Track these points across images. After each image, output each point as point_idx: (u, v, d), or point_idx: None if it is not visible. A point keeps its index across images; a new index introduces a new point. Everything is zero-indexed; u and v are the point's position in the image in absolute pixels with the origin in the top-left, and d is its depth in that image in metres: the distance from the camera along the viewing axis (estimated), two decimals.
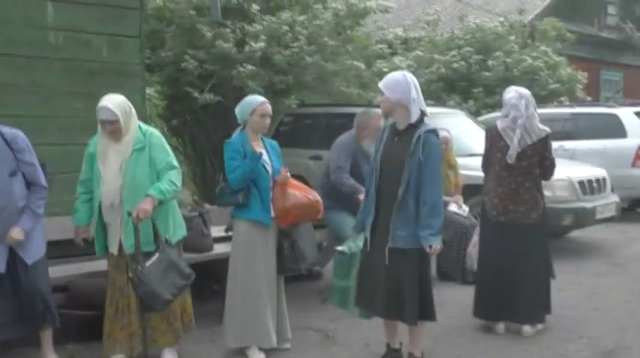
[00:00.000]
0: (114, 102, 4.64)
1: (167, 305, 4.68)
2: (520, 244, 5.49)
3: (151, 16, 9.72)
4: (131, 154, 4.68)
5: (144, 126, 4.82)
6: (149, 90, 8.48)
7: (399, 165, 4.52)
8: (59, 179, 5.53)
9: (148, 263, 4.58)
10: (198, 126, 10.88)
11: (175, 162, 4.81)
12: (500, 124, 5.54)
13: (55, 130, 5.88)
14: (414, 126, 4.55)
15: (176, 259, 4.74)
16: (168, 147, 4.85)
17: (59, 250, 5.05)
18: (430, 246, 4.48)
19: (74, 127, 5.88)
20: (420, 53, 15.99)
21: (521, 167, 5.44)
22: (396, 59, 12.87)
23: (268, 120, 5.17)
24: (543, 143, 5.48)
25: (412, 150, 4.48)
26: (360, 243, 4.80)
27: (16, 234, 4.39)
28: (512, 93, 5.57)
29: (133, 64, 6.27)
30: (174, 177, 4.73)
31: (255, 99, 5.17)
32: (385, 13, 12.15)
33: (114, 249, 4.77)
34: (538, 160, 5.49)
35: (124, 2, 6.17)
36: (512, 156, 5.41)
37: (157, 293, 4.56)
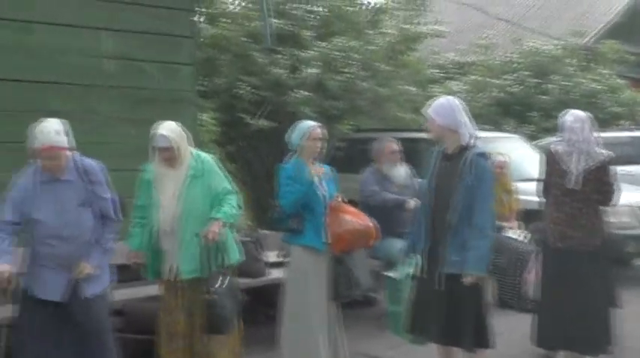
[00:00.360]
0: (168, 129, 4.69)
1: (232, 329, 4.72)
2: (579, 271, 5.34)
3: (205, 44, 9.85)
4: (186, 180, 4.71)
5: (196, 153, 4.85)
6: (204, 117, 8.58)
7: (449, 190, 4.46)
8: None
9: (218, 285, 4.60)
10: (253, 152, 10.94)
11: (232, 187, 4.83)
12: (558, 148, 5.42)
13: (108, 157, 5.95)
14: (463, 150, 4.50)
15: (235, 282, 4.77)
16: (222, 173, 4.86)
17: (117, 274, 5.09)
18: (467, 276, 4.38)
19: (127, 154, 5.97)
20: (474, 77, 15.87)
21: (581, 192, 5.30)
22: (451, 83, 12.79)
23: (321, 144, 5.16)
24: (603, 168, 5.32)
25: (461, 174, 4.42)
26: (410, 268, 4.72)
27: (83, 268, 4.33)
28: (570, 116, 5.46)
29: (186, 91, 6.36)
30: (234, 201, 4.76)
31: (308, 124, 5.19)
32: (438, 38, 12.10)
33: (168, 275, 4.79)
34: (597, 185, 5.34)
35: (177, 31, 6.27)
36: (571, 180, 5.27)
37: (226, 317, 4.60)
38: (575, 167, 5.27)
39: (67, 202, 4.27)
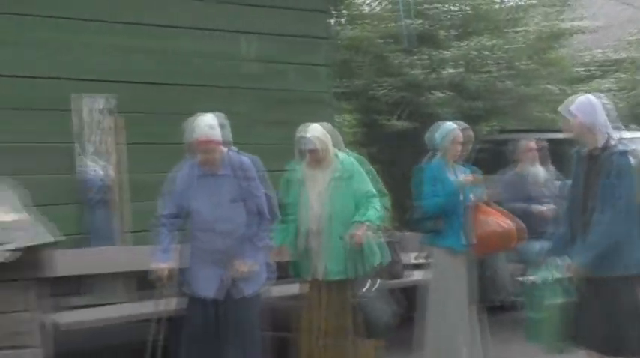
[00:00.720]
0: (314, 131, 4.75)
1: (387, 331, 4.73)
2: None
3: (342, 45, 9.95)
4: (331, 182, 4.76)
5: (342, 155, 4.88)
6: (345, 118, 8.66)
7: (590, 191, 4.31)
8: None
9: (366, 288, 4.61)
10: (391, 153, 10.93)
11: (377, 189, 4.82)
12: None
13: None
14: (604, 150, 4.33)
15: (385, 286, 4.78)
16: (368, 175, 4.87)
17: None
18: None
19: (265, 154, 6.08)
20: (622, 75, 15.14)
21: None
22: (597, 82, 12.27)
23: (463, 147, 5.10)
24: None
25: (603, 174, 4.27)
26: (550, 272, 4.54)
27: (240, 266, 4.40)
28: None
29: (323, 93, 6.45)
30: (378, 204, 4.76)
31: (451, 126, 5.12)
32: (583, 35, 11.64)
33: (313, 274, 4.84)
34: None
35: (314, 32, 6.38)
36: None
37: (378, 320, 4.60)
38: None
39: (221, 197, 4.35)
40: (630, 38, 16.44)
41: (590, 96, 4.53)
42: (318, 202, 4.76)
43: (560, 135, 9.16)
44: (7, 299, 3.96)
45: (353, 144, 9.81)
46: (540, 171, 6.57)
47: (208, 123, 4.26)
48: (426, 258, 5.95)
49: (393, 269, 5.88)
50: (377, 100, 9.71)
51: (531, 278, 4.76)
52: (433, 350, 5.01)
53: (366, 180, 4.83)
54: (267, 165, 5.95)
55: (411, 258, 6.27)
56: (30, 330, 4.02)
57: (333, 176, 4.76)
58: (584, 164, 4.45)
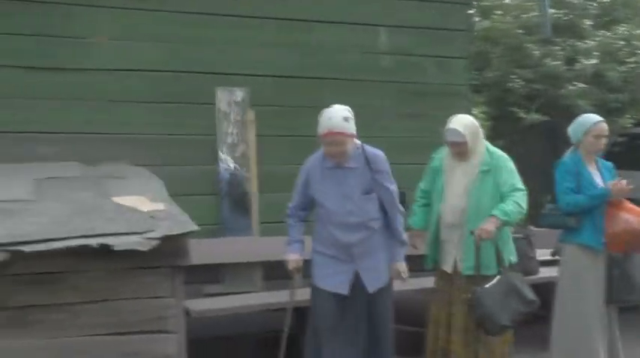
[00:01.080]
0: (462, 123, 4.63)
1: (504, 330, 4.56)
2: None
3: (476, 37, 9.80)
4: (477, 176, 4.64)
5: (491, 148, 4.74)
6: (475, 111, 8.52)
7: None
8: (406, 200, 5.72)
9: (488, 285, 4.47)
10: (524, 147, 10.68)
11: (520, 185, 4.67)
12: None
13: (384, 150, 6.13)
14: None
15: (519, 284, 4.58)
16: (514, 169, 4.72)
17: None
18: None
19: (402, 147, 6.08)
20: None
21: None
22: None
23: (604, 141, 4.91)
24: None
25: None
26: None
27: (399, 268, 4.42)
28: None
29: (459, 85, 6.35)
30: (519, 199, 4.60)
31: (590, 119, 4.94)
32: None
33: (447, 267, 4.75)
34: None
35: (451, 24, 6.29)
36: None
37: (495, 317, 4.45)
38: None
39: (352, 190, 4.29)
40: None
41: None
42: (458, 195, 4.66)
43: None
44: (154, 285, 4.11)
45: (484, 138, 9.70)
46: None
47: (339, 115, 4.20)
48: (553, 254, 5.78)
49: (527, 266, 5.73)
50: (511, 92, 9.53)
51: None
52: (565, 350, 4.84)
53: (511, 174, 4.67)
54: (401, 158, 5.96)
55: (544, 254, 6.09)
56: (175, 315, 4.16)
57: (480, 169, 4.63)
58: None
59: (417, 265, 4.91)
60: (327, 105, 4.24)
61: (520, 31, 9.54)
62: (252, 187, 6.01)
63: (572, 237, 4.87)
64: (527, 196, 4.67)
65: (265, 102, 5.94)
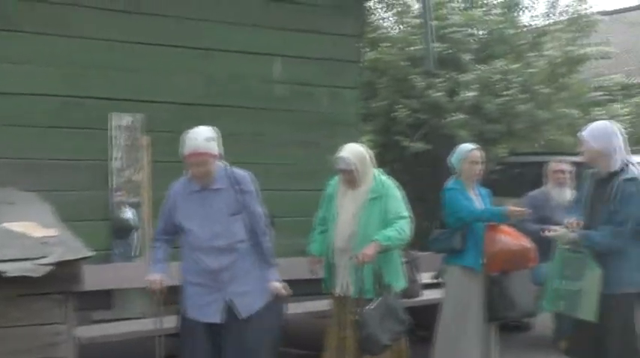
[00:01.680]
0: (351, 152, 4.80)
1: (384, 350, 4.72)
2: None
3: (365, 67, 10.09)
4: (366, 203, 4.79)
5: (379, 175, 4.91)
6: (362, 139, 8.76)
7: (596, 214, 4.44)
8: (277, 223, 5.84)
9: (370, 307, 4.62)
10: (408, 175, 11.02)
11: (405, 213, 4.84)
12: None
13: (276, 177, 6.26)
14: (614, 175, 4.44)
15: (395, 305, 4.79)
16: (401, 198, 4.89)
17: None
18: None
19: (294, 175, 6.23)
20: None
21: None
22: (615, 106, 12.33)
23: (479, 167, 5.23)
24: None
25: (608, 199, 4.38)
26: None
27: (276, 284, 4.30)
28: None
29: (350, 114, 6.55)
30: (403, 226, 4.76)
31: (465, 147, 5.32)
32: (605, 60, 11.74)
33: (338, 290, 4.89)
34: None
35: (343, 56, 6.48)
36: None
37: (377, 337, 4.61)
38: None
39: (218, 212, 4.19)
40: None
41: (604, 123, 4.64)
42: (347, 221, 4.80)
43: (575, 159, 9.32)
44: (46, 311, 4.04)
45: None
46: (567, 194, 6.56)
47: (202, 136, 4.12)
48: (436, 277, 6.07)
49: (410, 289, 5.98)
50: (396, 121, 9.83)
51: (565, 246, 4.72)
52: None
53: (398, 202, 4.85)
54: (295, 185, 6.12)
55: (427, 277, 6.36)
56: (66, 341, 4.09)
57: (369, 196, 4.79)
58: (591, 187, 4.57)
59: (316, 289, 5.05)
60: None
61: (406, 62, 9.86)
62: (144, 213, 6.00)
63: (455, 260, 5.14)
64: (411, 223, 4.86)
65: (161, 128, 5.95)
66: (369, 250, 4.61)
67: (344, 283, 4.86)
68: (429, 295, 6.11)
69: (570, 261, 4.55)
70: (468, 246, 5.11)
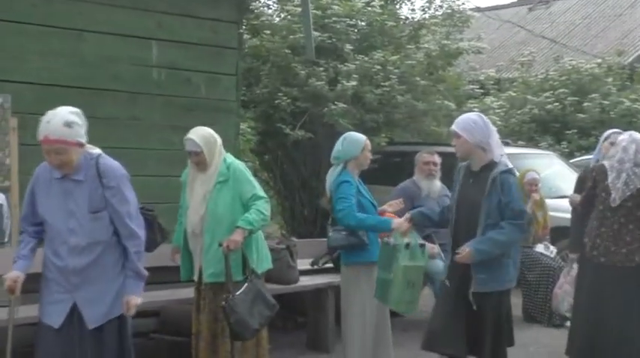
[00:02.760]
0: (199, 134, 4.80)
1: (255, 334, 4.76)
2: (620, 288, 5.30)
3: (247, 54, 10.07)
4: (215, 186, 4.79)
5: (229, 159, 4.89)
6: (243, 126, 8.74)
7: (473, 208, 4.51)
8: (156, 209, 5.77)
9: (239, 292, 4.64)
10: (289, 162, 11.11)
11: (262, 193, 4.87)
12: (607, 164, 5.44)
13: (151, 163, 6.16)
14: (488, 168, 4.54)
15: (263, 290, 4.82)
16: (253, 179, 4.92)
17: (155, 276, 5.23)
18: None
19: (169, 160, 6.15)
20: (512, 94, 15.90)
21: (625, 208, 5.29)
22: (488, 99, 12.85)
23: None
24: None
25: (488, 192, 4.47)
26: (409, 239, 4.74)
27: (130, 300, 3.76)
28: (626, 136, 5.48)
29: (229, 101, 6.52)
30: (261, 207, 4.77)
31: (359, 136, 5.26)
32: (478, 54, 12.20)
33: (195, 276, 4.91)
34: None
35: (222, 42, 6.44)
36: (615, 199, 5.28)
37: (247, 323, 4.63)
38: (619, 186, 5.28)
39: (77, 206, 3.71)
40: (522, 59, 17.26)
41: (475, 115, 4.72)
42: (199, 205, 4.80)
43: (450, 149, 9.66)
44: None
45: (251, 152, 9.98)
46: (436, 185, 6.71)
47: (54, 120, 3.59)
48: (313, 264, 6.19)
49: (287, 275, 6.06)
50: (278, 109, 9.85)
51: (391, 240, 4.83)
52: (357, 346, 5.09)
53: (251, 184, 4.84)
54: (170, 172, 6.03)
55: (305, 264, 6.45)
56: None
57: (217, 180, 4.77)
58: (466, 179, 4.66)
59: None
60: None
61: (288, 51, 9.90)
62: (13, 197, 5.79)
63: (357, 256, 5.07)
64: (268, 203, 4.87)
65: (29, 110, 5.73)
66: (236, 237, 4.62)
67: (197, 268, 4.87)
68: (306, 281, 6.18)
69: (386, 253, 4.77)
70: (371, 240, 5.06)
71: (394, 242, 4.76)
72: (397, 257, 4.66)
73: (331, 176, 5.14)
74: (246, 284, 4.70)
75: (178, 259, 5.03)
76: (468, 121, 4.60)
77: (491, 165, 4.54)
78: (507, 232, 4.44)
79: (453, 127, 4.67)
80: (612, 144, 5.76)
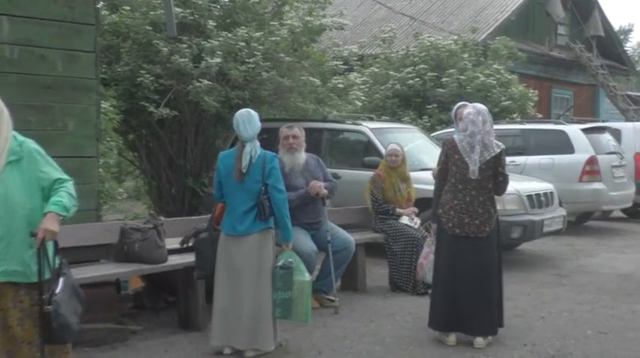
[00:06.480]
0: None
1: (75, 335, 4.02)
2: (475, 256, 5.59)
3: (106, 31, 9.76)
4: (5, 166, 3.84)
5: (20, 138, 4.01)
6: (105, 105, 8.46)
7: None
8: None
9: (57, 290, 3.85)
10: (154, 141, 10.92)
11: (64, 174, 4.04)
12: (457, 138, 5.64)
13: None
14: None
15: (74, 282, 4.10)
16: (51, 160, 4.05)
17: None
18: None
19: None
20: (375, 70, 16.26)
21: (475, 181, 5.54)
22: (352, 75, 13.07)
23: None
24: (497, 158, 5.58)
25: None
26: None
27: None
28: (470, 108, 5.68)
29: (88, 79, 6.27)
30: (70, 190, 3.95)
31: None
32: (341, 30, 12.36)
33: None
34: (491, 175, 5.61)
35: (79, 18, 6.18)
36: (474, 171, 5.50)
37: (70, 324, 3.90)
38: (476, 158, 5.52)
39: None
40: (384, 35, 17.65)
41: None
42: None
43: (316, 125, 9.76)
44: None
45: (114, 132, 9.72)
46: (299, 159, 6.78)
47: None
48: (182, 243, 6.25)
49: (156, 254, 5.98)
50: (141, 87, 9.64)
51: (281, 263, 5.38)
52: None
53: (53, 165, 4.02)
54: None
55: (173, 243, 6.39)
56: None
57: (7, 159, 3.84)
58: None
59: None
60: None
61: (149, 27, 9.68)
62: None
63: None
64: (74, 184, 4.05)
65: None
66: (51, 226, 3.79)
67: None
68: (175, 260, 6.12)
69: (281, 276, 5.34)
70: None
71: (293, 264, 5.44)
72: (295, 275, 5.41)
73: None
74: (61, 279, 3.92)
75: None
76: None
77: None
78: None
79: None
80: (461, 119, 6.02)
